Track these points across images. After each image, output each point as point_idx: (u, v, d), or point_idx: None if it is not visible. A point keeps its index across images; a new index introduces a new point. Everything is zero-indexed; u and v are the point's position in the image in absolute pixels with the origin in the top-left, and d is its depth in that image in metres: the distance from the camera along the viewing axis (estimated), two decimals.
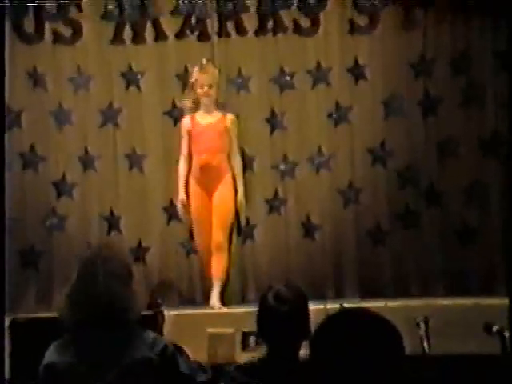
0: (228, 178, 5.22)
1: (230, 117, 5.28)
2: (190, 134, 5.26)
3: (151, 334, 2.46)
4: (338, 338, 1.52)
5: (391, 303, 4.75)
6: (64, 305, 2.42)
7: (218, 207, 5.20)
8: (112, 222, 5.60)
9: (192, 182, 5.24)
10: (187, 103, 5.23)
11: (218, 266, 5.21)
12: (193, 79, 5.22)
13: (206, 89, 5.18)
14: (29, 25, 5.56)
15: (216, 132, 5.19)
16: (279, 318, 2.46)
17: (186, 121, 5.32)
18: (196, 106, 5.21)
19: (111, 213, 5.59)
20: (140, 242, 5.59)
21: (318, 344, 1.54)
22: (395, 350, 1.53)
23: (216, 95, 5.21)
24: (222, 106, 5.28)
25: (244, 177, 5.51)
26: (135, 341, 2.41)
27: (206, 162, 5.15)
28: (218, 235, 5.18)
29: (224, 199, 5.19)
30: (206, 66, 5.25)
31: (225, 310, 4.99)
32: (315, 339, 1.56)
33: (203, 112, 5.21)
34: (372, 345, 1.51)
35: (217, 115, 5.24)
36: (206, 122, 5.22)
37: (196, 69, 5.24)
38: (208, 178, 5.16)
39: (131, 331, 2.42)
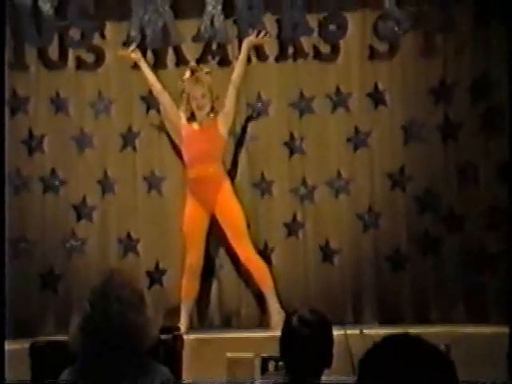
0: (226, 185, 5.08)
1: (220, 116, 5.02)
2: (181, 134, 5.09)
3: (159, 365, 2.44)
4: (395, 366, 1.45)
5: (411, 330, 4.69)
6: (76, 333, 2.42)
7: (228, 219, 5.04)
8: (130, 245, 5.62)
9: (188, 193, 5.16)
10: None
11: (263, 279, 5.06)
12: (185, 90, 5.03)
13: (199, 101, 4.94)
14: (53, 51, 5.61)
15: (207, 138, 5.01)
16: (302, 341, 2.45)
17: (183, 119, 5.09)
18: (193, 117, 5.05)
19: (129, 235, 5.60)
20: (157, 265, 5.60)
21: (368, 371, 1.46)
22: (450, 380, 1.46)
23: (211, 102, 5.06)
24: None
25: (262, 200, 5.54)
26: (145, 370, 2.40)
27: (198, 173, 4.99)
28: (245, 249, 5.05)
29: (232, 210, 5.06)
30: (198, 74, 5.06)
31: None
32: (364, 367, 1.48)
33: (198, 123, 5.12)
34: (429, 374, 1.44)
35: (208, 120, 5.04)
36: (197, 127, 5.08)
37: (187, 75, 5.12)
38: (203, 189, 5.02)
39: (142, 360, 2.41)
